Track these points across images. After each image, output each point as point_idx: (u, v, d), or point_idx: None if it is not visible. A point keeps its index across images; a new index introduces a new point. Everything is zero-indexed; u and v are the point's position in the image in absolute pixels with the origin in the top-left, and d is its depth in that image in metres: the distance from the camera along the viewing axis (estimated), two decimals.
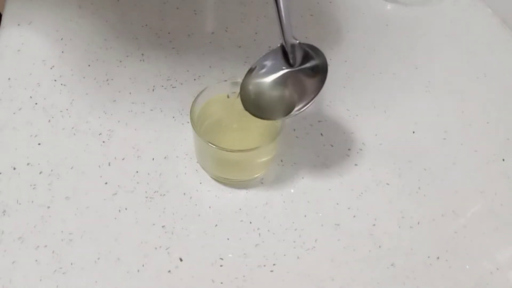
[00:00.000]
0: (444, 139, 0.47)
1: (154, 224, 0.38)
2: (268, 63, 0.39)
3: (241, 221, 0.39)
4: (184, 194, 0.40)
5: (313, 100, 0.37)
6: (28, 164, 0.41)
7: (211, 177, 0.41)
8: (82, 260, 0.36)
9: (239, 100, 0.41)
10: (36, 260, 0.36)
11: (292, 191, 0.41)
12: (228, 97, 0.41)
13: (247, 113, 0.41)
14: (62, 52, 0.50)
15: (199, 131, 0.38)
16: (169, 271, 0.36)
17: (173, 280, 0.35)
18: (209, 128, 0.41)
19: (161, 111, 0.46)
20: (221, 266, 0.36)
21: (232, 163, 0.40)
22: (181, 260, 0.36)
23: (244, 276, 0.36)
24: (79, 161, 0.41)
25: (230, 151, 0.37)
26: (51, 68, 0.49)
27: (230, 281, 0.36)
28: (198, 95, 0.39)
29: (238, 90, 0.41)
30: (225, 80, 0.41)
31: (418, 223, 0.40)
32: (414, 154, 0.45)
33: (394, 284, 0.36)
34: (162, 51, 0.51)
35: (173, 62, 0.51)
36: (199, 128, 0.39)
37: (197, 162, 0.42)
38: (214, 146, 0.36)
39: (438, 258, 0.38)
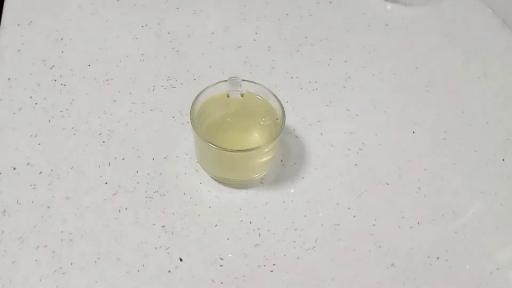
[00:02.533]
0: (444, 139, 0.47)
1: (154, 224, 0.38)
2: None
3: (241, 221, 0.39)
4: (184, 194, 0.40)
5: None
6: (28, 164, 0.41)
7: (211, 177, 0.41)
8: (82, 260, 0.36)
9: (239, 99, 0.41)
10: (36, 260, 0.36)
11: (292, 191, 0.41)
12: (228, 96, 0.41)
13: (247, 112, 0.41)
14: (62, 52, 0.51)
15: (199, 131, 0.38)
16: (169, 271, 0.36)
17: (173, 280, 0.35)
18: (209, 127, 0.41)
19: (161, 111, 0.46)
20: (221, 266, 0.36)
21: (232, 163, 0.40)
22: (181, 260, 0.36)
23: (244, 276, 0.36)
24: (79, 161, 0.41)
25: (230, 151, 0.37)
26: (51, 68, 0.49)
27: (230, 281, 0.36)
28: (198, 95, 0.39)
29: (238, 89, 0.41)
30: (225, 80, 0.41)
31: (418, 223, 0.40)
32: (414, 154, 0.45)
33: (394, 284, 0.36)
34: (162, 51, 0.51)
35: (173, 62, 0.51)
36: (199, 127, 0.39)
37: (197, 162, 0.42)
38: (214, 146, 0.36)
39: (438, 258, 0.38)
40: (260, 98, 0.41)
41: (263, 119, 0.41)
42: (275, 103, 0.40)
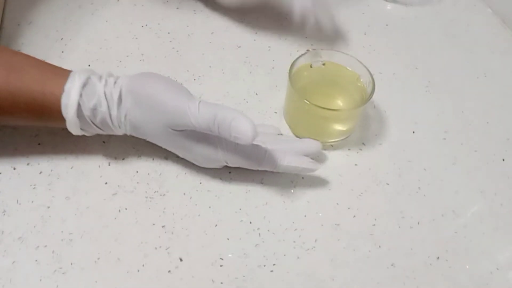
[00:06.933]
0: (444, 139, 0.47)
1: (154, 224, 0.38)
2: None
3: (241, 221, 0.39)
4: (184, 194, 0.40)
5: None
6: (28, 164, 0.41)
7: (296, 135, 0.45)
8: (82, 260, 0.36)
9: (321, 68, 0.45)
10: (36, 260, 0.36)
11: (292, 191, 0.41)
12: (311, 66, 0.45)
13: (330, 81, 0.46)
14: (62, 52, 0.50)
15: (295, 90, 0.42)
16: (169, 271, 0.36)
17: (173, 280, 0.35)
18: (300, 91, 0.43)
19: None
20: (221, 266, 0.36)
21: (317, 121, 0.43)
22: (181, 260, 0.36)
23: (244, 276, 0.36)
24: (79, 161, 0.41)
25: (324, 108, 0.40)
26: None
27: (230, 281, 0.36)
28: (294, 61, 0.43)
29: (319, 59, 0.45)
30: (305, 53, 0.44)
31: (418, 223, 0.40)
32: (414, 154, 0.45)
33: (394, 284, 0.36)
34: (162, 51, 0.51)
35: (173, 62, 0.51)
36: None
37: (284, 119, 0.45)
38: (307, 102, 0.40)
39: (438, 258, 0.38)
40: (342, 65, 0.45)
41: (360, 81, 0.45)
42: (361, 69, 0.44)
